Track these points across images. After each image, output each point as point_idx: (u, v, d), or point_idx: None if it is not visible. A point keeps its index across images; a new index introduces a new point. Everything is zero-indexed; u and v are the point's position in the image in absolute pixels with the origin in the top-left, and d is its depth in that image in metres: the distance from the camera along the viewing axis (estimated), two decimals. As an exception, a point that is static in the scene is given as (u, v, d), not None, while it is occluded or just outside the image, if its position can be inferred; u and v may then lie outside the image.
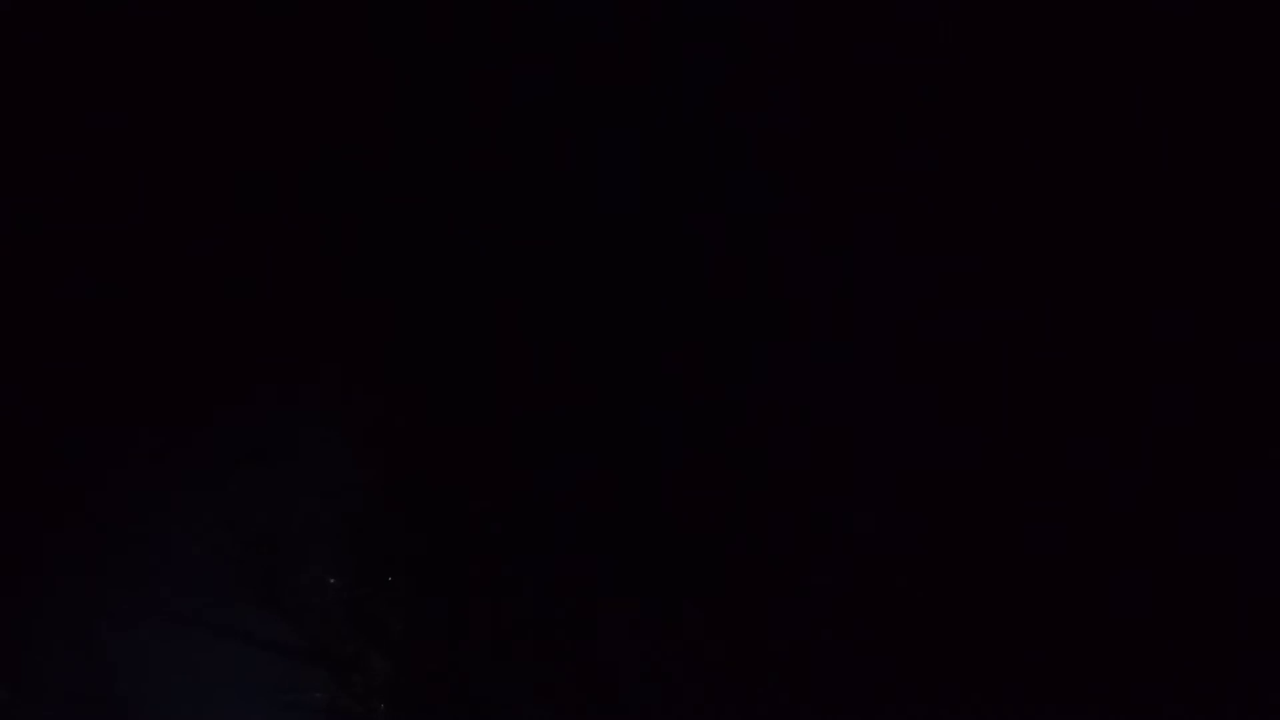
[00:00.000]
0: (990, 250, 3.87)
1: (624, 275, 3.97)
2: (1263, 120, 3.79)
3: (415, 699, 4.35)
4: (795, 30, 3.91)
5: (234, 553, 4.61)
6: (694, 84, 3.91)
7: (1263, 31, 3.73)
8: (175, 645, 4.68)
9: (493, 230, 4.10)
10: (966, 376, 3.87)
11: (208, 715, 4.66)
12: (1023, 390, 3.84)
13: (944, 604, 3.69)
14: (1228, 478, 3.81)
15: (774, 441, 3.81)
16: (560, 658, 3.86)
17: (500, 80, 4.07)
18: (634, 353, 3.92)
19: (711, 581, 3.74)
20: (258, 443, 4.46)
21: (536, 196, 4.15)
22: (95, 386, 4.44)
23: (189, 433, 4.45)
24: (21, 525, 4.46)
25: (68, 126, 4.38)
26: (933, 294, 3.88)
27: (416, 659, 4.27)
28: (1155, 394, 3.83)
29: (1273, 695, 3.73)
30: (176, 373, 4.47)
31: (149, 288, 4.38)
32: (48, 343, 4.33)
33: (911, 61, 3.89)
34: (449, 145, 4.15)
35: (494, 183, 4.15)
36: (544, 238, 4.08)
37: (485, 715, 4.12)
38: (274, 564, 4.52)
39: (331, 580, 4.60)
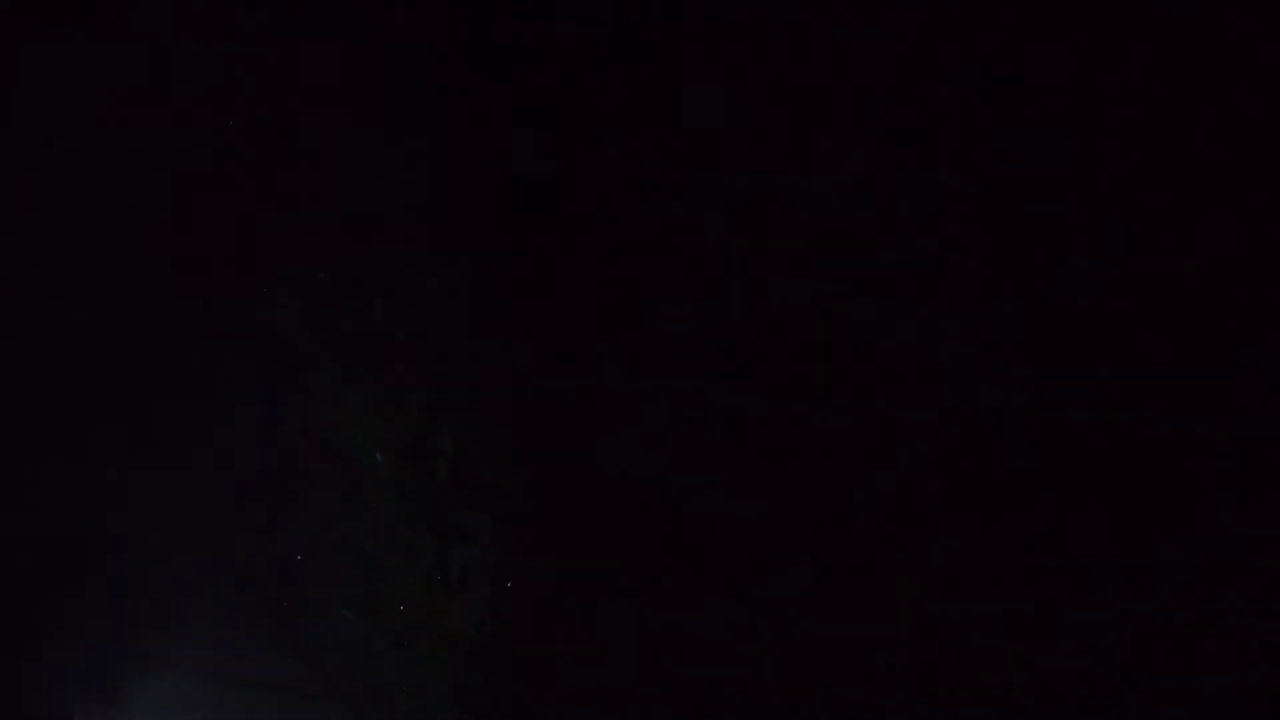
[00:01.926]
0: (990, 250, 3.88)
1: (626, 275, 3.97)
2: (1263, 120, 3.79)
3: None
4: (796, 30, 3.91)
5: (248, 589, 4.56)
6: (693, 83, 3.91)
7: (1263, 32, 3.74)
8: (193, 687, 4.63)
9: (493, 232, 4.10)
10: (967, 375, 3.86)
11: None
12: (1023, 391, 3.83)
13: (946, 606, 3.69)
14: (1228, 478, 3.81)
15: (777, 442, 3.80)
16: (591, 679, 3.84)
17: (506, 79, 4.06)
18: (637, 354, 3.92)
19: (723, 585, 3.73)
20: (265, 473, 4.46)
21: (536, 196, 4.14)
22: (101, 419, 4.46)
23: (196, 463, 4.47)
24: (40, 573, 4.48)
25: (66, 125, 4.37)
26: (933, 293, 3.88)
27: (441, 694, 4.22)
28: (1156, 394, 3.83)
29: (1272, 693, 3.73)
30: (180, 404, 4.48)
31: (149, 317, 4.38)
32: (55, 379, 4.36)
33: (912, 61, 3.89)
34: (451, 145, 4.15)
35: (497, 183, 4.15)
36: (544, 237, 4.07)
37: None
38: (288, 600, 4.47)
39: (347, 613, 4.54)
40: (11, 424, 4.42)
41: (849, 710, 3.67)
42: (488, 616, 4.14)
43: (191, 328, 4.42)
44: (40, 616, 4.48)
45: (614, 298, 3.86)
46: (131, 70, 4.24)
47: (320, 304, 4.43)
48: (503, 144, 3.99)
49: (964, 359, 3.77)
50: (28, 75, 4.30)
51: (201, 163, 4.39)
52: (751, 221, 3.73)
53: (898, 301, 3.82)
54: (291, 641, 4.55)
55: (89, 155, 4.34)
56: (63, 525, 4.42)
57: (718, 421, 3.71)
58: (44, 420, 4.38)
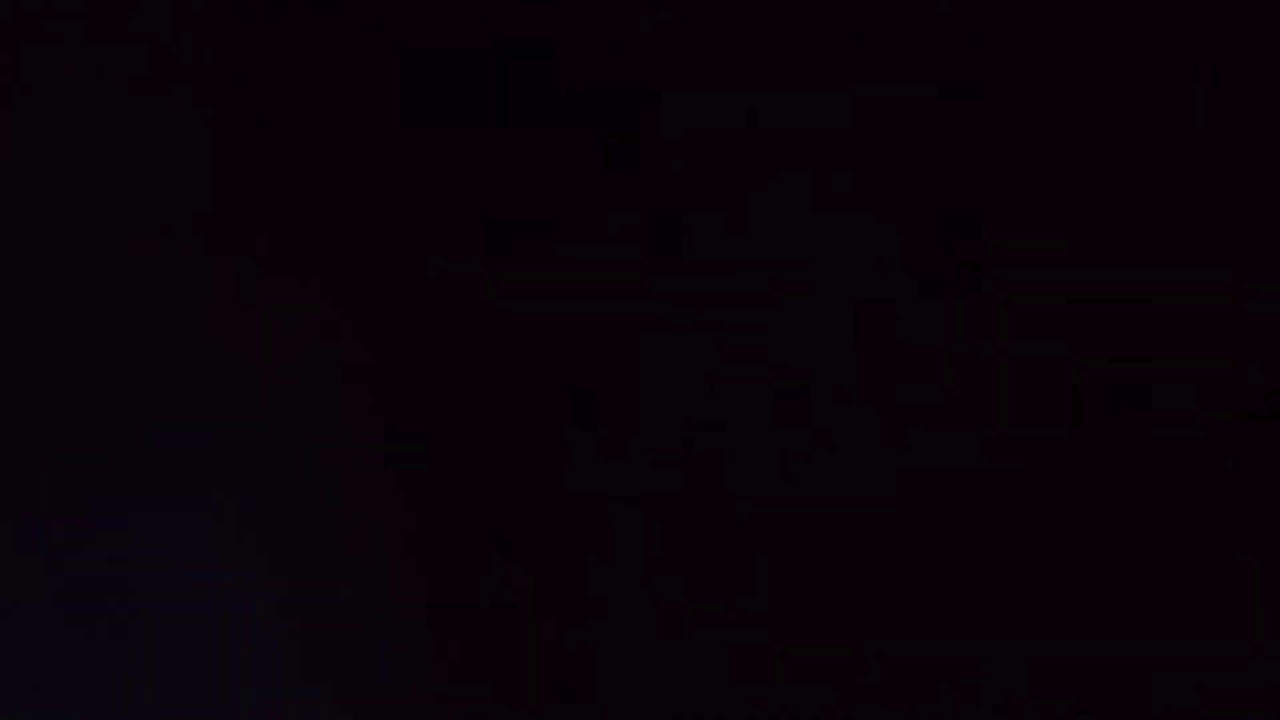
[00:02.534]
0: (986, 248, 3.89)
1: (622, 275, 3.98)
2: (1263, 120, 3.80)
3: None
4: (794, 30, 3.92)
5: (261, 605, 4.57)
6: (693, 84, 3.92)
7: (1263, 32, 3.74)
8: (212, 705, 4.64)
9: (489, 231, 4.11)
10: (960, 376, 3.88)
11: None
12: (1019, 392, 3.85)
13: (943, 606, 3.70)
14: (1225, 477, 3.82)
15: (768, 445, 3.82)
16: (623, 687, 3.86)
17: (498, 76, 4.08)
18: (632, 356, 3.94)
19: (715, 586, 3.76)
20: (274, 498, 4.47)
21: (535, 193, 4.16)
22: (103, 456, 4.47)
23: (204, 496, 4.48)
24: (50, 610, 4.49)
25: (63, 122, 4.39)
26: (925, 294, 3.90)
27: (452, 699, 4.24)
28: (1154, 393, 3.85)
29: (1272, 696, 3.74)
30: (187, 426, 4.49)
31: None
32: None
33: (911, 61, 3.90)
34: (447, 141, 4.16)
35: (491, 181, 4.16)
36: (542, 235, 4.09)
37: None
38: (302, 614, 4.47)
39: (370, 639, 4.55)
40: (14, 457, 4.45)
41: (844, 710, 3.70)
42: (499, 618, 4.17)
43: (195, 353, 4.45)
44: (55, 653, 4.51)
45: (612, 307, 3.89)
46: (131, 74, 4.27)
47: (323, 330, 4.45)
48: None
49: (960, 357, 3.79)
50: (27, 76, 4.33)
51: (204, 185, 4.42)
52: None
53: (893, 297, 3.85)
54: (307, 655, 4.56)
55: (87, 172, 4.37)
56: (70, 561, 4.43)
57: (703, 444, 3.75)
58: (44, 453, 4.40)
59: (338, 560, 4.46)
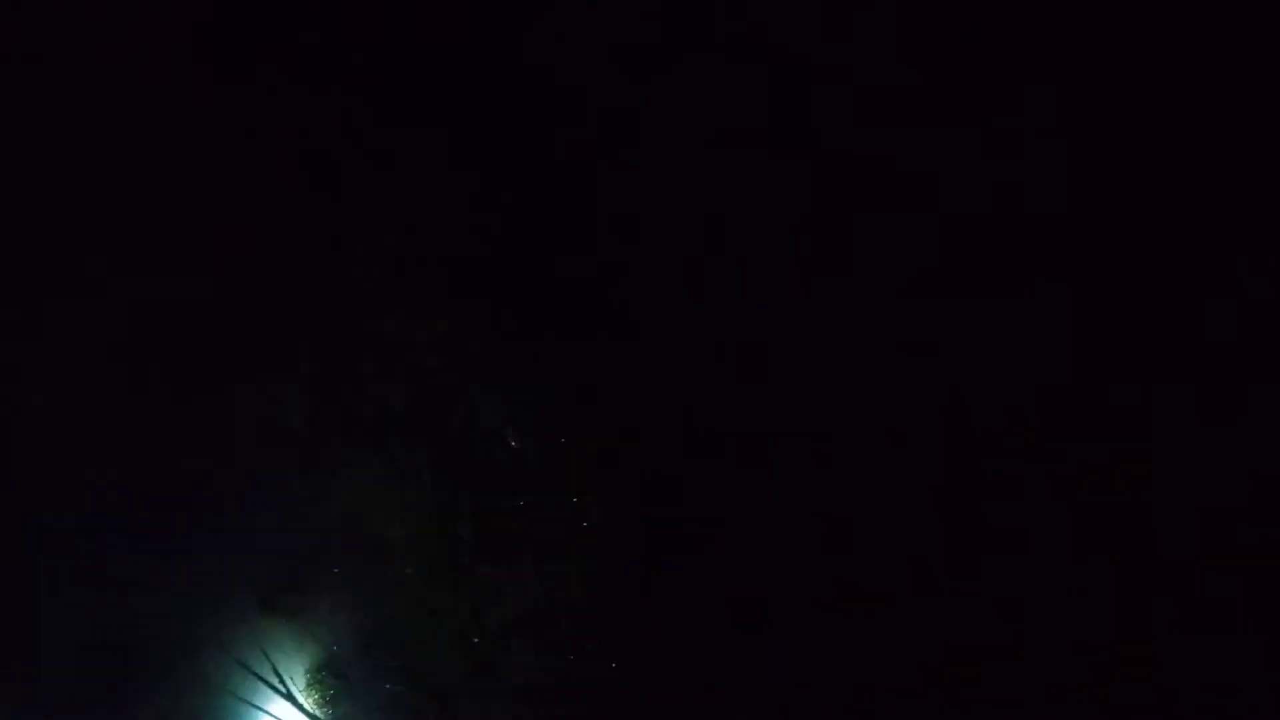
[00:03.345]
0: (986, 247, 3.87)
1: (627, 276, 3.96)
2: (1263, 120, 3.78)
3: None
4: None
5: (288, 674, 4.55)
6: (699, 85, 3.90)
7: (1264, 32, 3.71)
8: None
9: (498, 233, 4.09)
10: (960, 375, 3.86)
11: None
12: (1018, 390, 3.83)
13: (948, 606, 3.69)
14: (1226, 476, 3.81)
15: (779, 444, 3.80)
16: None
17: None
18: (644, 392, 3.91)
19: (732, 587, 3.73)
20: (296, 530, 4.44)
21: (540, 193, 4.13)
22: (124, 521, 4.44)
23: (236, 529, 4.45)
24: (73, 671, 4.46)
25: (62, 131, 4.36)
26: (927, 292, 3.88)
27: None
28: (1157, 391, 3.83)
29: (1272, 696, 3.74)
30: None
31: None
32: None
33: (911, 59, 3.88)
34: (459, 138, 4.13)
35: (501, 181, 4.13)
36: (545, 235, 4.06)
37: None
38: (331, 685, 4.45)
39: (396, 663, 4.53)
40: (34, 528, 4.40)
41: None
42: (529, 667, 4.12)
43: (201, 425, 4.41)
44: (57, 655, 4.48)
45: (609, 335, 3.85)
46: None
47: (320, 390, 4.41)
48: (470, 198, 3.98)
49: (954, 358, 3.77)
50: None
51: (201, 262, 4.39)
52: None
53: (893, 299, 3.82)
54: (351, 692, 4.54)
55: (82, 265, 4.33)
56: (96, 623, 4.41)
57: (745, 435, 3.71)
58: (66, 528, 4.36)
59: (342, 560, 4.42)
